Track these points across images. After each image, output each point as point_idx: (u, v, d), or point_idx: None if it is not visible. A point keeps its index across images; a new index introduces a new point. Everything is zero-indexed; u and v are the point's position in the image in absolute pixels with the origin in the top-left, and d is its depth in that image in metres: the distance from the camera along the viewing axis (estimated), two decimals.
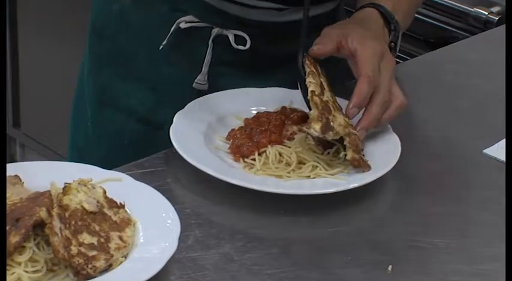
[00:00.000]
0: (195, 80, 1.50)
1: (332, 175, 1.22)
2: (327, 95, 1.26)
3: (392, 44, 1.44)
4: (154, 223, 1.10)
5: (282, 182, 1.20)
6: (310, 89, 1.24)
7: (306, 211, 1.17)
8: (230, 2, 1.47)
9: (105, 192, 1.12)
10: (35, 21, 3.04)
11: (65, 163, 1.22)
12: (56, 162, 1.22)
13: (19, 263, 1.03)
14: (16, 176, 1.15)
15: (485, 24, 1.99)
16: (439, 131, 1.43)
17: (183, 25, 1.47)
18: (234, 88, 1.49)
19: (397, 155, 1.23)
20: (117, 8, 1.53)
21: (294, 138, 1.27)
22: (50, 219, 1.03)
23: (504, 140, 1.42)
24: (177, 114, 1.29)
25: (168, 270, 1.05)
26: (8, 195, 1.12)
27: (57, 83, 3.05)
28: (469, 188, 1.30)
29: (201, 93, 1.48)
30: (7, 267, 1.03)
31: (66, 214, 1.06)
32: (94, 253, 1.04)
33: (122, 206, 1.11)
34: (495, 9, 2.02)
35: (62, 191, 1.10)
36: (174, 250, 1.05)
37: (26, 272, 1.02)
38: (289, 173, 1.21)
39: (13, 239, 1.03)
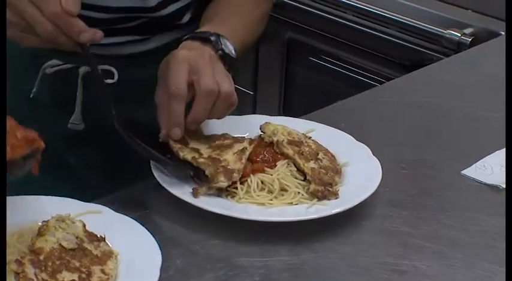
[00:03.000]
0: (70, 121, 1.49)
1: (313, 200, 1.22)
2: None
3: (219, 51, 1.41)
4: (135, 255, 1.09)
5: (264, 210, 1.19)
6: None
7: (287, 238, 1.16)
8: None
9: (84, 226, 1.11)
10: None
11: (44, 197, 1.20)
12: (35, 196, 1.20)
13: None
14: None
15: (459, 46, 2.02)
16: (416, 153, 1.42)
17: (49, 70, 1.47)
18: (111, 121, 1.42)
19: (378, 180, 1.23)
20: None
21: (275, 166, 1.27)
22: (21, 268, 1.03)
23: (481, 160, 1.42)
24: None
25: None
26: None
27: None
28: (449, 210, 1.29)
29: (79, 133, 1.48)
30: None
31: (41, 257, 1.05)
32: None
33: (103, 239, 1.11)
34: (468, 30, 2.05)
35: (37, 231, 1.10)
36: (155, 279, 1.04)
37: None
38: (271, 200, 1.21)
39: None
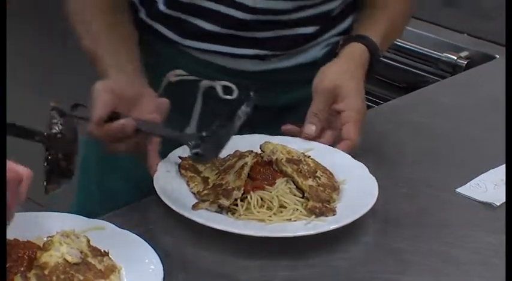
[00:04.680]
0: (185, 132, 1.49)
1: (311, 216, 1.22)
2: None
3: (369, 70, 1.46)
4: (138, 269, 1.10)
5: (264, 226, 1.19)
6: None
7: (286, 253, 1.16)
8: (212, 52, 1.48)
9: (88, 241, 1.12)
10: None
11: (49, 213, 1.20)
12: (39, 213, 1.20)
13: None
14: None
15: (454, 69, 2.01)
16: (412, 172, 1.43)
17: (172, 78, 1.47)
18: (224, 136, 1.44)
19: (374, 197, 1.23)
20: None
21: (275, 183, 1.26)
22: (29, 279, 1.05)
23: (476, 179, 1.42)
24: (160, 163, 1.29)
25: None
26: None
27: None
28: (444, 227, 1.29)
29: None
30: None
31: (46, 271, 1.06)
32: None
33: (106, 253, 1.11)
34: (463, 54, 2.04)
35: (41, 247, 1.11)
36: None
37: None
38: (270, 216, 1.20)
39: None
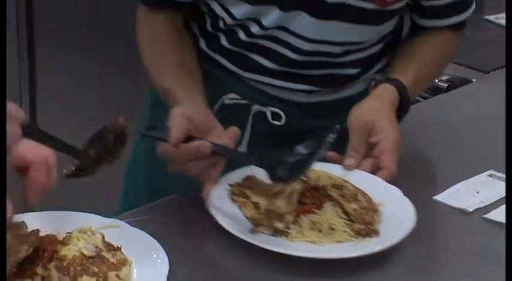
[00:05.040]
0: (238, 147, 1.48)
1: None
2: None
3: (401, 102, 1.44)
4: (146, 262, 1.12)
5: (315, 247, 1.17)
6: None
7: (335, 272, 1.16)
8: (268, 84, 1.47)
9: (103, 237, 1.13)
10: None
11: (69, 212, 1.21)
12: (61, 212, 1.21)
13: None
14: (23, 222, 1.16)
15: (435, 91, 1.98)
16: (396, 182, 1.38)
17: (227, 101, 1.47)
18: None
19: (412, 219, 1.22)
20: None
21: (321, 207, 1.24)
22: (47, 272, 1.06)
23: (453, 187, 1.41)
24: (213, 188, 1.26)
25: None
26: (9, 237, 1.12)
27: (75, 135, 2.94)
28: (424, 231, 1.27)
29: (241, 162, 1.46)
30: None
31: (64, 263, 1.07)
32: None
33: (119, 248, 1.12)
34: (444, 77, 2.02)
35: (61, 241, 1.12)
36: None
37: None
38: (321, 238, 1.19)
39: None
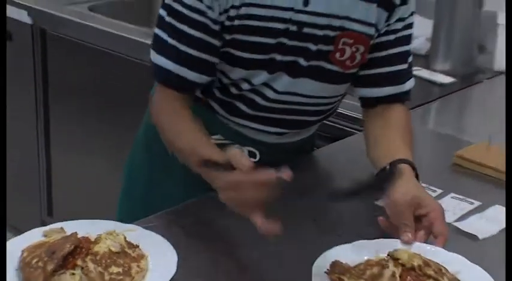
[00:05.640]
0: None
1: None
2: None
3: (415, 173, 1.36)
4: (159, 256, 1.17)
5: None
6: None
7: None
8: (247, 127, 1.47)
9: (125, 237, 1.18)
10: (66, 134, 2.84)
11: (97, 220, 1.26)
12: (91, 220, 1.25)
13: None
14: (61, 227, 1.22)
15: None
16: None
17: (213, 141, 1.41)
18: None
19: None
20: None
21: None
22: (85, 264, 1.10)
23: None
24: (315, 265, 1.16)
25: None
26: (52, 238, 1.19)
27: (86, 178, 2.82)
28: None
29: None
30: None
31: (97, 257, 1.12)
32: (121, 277, 1.10)
33: (137, 246, 1.18)
34: None
35: (93, 241, 1.17)
36: (172, 274, 1.12)
37: None
38: None
39: (49, 267, 1.08)
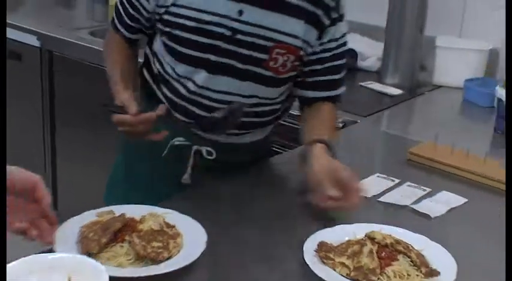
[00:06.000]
0: (182, 179, 1.47)
1: None
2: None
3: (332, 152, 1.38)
4: (191, 235, 1.19)
5: None
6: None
7: None
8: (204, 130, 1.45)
9: (164, 219, 1.20)
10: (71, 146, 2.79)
11: (140, 205, 1.27)
12: (135, 205, 1.27)
13: (120, 255, 1.12)
14: (111, 210, 1.24)
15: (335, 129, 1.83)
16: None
17: (176, 143, 1.46)
18: (209, 183, 1.41)
19: (452, 259, 1.16)
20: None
21: (395, 259, 1.15)
22: (131, 238, 1.13)
23: (365, 179, 1.47)
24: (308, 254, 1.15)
25: (200, 260, 1.13)
26: (104, 218, 1.21)
27: (91, 189, 2.64)
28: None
29: (186, 186, 1.45)
30: (109, 258, 1.11)
31: (141, 234, 1.15)
32: (160, 250, 1.12)
33: (173, 226, 1.20)
34: (340, 120, 1.95)
35: (139, 220, 1.19)
36: (202, 250, 1.13)
37: (127, 259, 1.12)
38: None
39: (103, 240, 1.12)
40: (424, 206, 1.40)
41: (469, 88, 2.16)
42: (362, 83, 2.29)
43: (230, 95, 1.40)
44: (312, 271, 1.10)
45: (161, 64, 1.44)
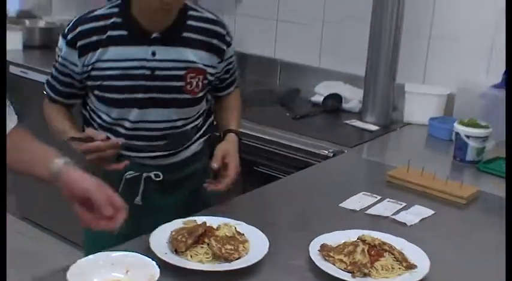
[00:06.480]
0: (135, 200, 1.51)
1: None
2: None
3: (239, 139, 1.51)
4: (256, 241, 1.23)
5: (390, 279, 1.13)
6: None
7: None
8: (146, 157, 1.50)
9: (235, 228, 1.26)
10: None
11: (216, 216, 1.30)
12: (212, 216, 1.29)
13: (201, 254, 1.17)
14: (195, 220, 1.27)
15: (326, 157, 1.98)
16: (303, 207, 1.50)
17: (128, 176, 1.50)
18: (157, 202, 1.47)
19: (426, 256, 1.19)
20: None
21: (382, 256, 1.19)
22: (209, 241, 1.19)
23: (354, 196, 1.55)
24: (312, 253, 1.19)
25: (263, 261, 1.17)
26: (189, 225, 1.23)
27: None
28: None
29: (139, 206, 1.49)
30: (192, 255, 1.15)
31: (218, 238, 1.20)
32: (232, 252, 1.17)
33: (243, 234, 1.26)
34: (330, 150, 2.01)
35: (216, 228, 1.24)
36: (264, 253, 1.19)
37: (206, 258, 1.16)
38: (389, 274, 1.14)
39: (189, 241, 1.17)
40: (401, 217, 1.47)
41: (432, 125, 2.24)
42: (347, 121, 2.37)
43: (161, 123, 1.46)
44: (317, 266, 1.17)
45: (98, 116, 1.48)
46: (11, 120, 1.10)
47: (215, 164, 1.42)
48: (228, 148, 1.47)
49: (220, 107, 1.61)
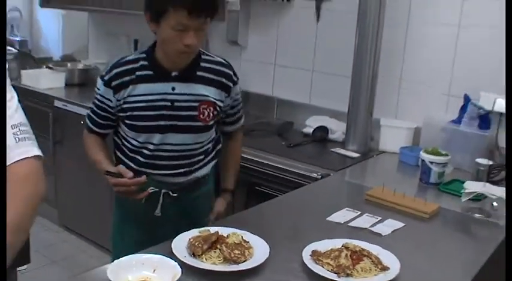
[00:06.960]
0: (155, 212, 1.57)
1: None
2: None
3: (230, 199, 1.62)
4: (259, 248, 1.26)
5: (368, 279, 1.15)
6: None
7: None
8: (164, 175, 1.54)
9: (242, 236, 1.29)
10: None
11: (225, 227, 1.32)
12: (222, 227, 1.31)
13: (214, 257, 1.20)
14: (208, 229, 1.30)
15: (315, 179, 1.97)
16: (295, 223, 1.52)
17: (150, 191, 1.53)
18: (175, 216, 1.53)
19: (396, 259, 1.22)
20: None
21: (362, 260, 1.21)
22: (222, 247, 1.21)
23: (337, 212, 1.57)
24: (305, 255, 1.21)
25: (265, 263, 1.21)
26: (204, 233, 1.26)
27: (91, 205, 2.67)
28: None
29: (157, 217, 1.56)
30: (206, 258, 1.17)
31: (227, 245, 1.23)
32: (239, 256, 1.21)
33: (248, 241, 1.28)
34: (319, 173, 2.00)
35: (226, 236, 1.27)
36: (266, 257, 1.21)
37: (218, 260, 1.19)
38: (367, 274, 1.17)
39: (204, 246, 1.20)
40: (377, 228, 1.51)
41: (402, 153, 2.26)
42: (332, 149, 2.38)
43: (179, 146, 1.51)
44: (309, 268, 1.20)
45: (128, 141, 1.54)
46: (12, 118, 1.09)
47: (212, 217, 1.56)
48: (221, 209, 1.61)
49: (225, 152, 1.66)
